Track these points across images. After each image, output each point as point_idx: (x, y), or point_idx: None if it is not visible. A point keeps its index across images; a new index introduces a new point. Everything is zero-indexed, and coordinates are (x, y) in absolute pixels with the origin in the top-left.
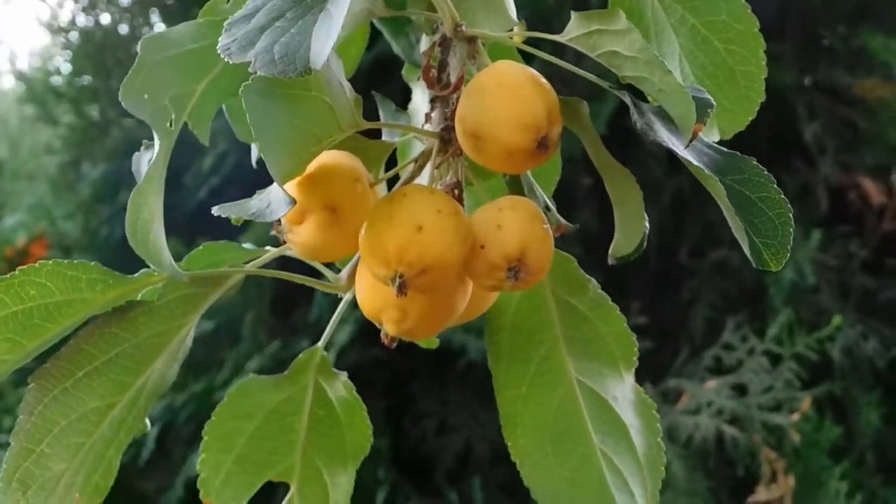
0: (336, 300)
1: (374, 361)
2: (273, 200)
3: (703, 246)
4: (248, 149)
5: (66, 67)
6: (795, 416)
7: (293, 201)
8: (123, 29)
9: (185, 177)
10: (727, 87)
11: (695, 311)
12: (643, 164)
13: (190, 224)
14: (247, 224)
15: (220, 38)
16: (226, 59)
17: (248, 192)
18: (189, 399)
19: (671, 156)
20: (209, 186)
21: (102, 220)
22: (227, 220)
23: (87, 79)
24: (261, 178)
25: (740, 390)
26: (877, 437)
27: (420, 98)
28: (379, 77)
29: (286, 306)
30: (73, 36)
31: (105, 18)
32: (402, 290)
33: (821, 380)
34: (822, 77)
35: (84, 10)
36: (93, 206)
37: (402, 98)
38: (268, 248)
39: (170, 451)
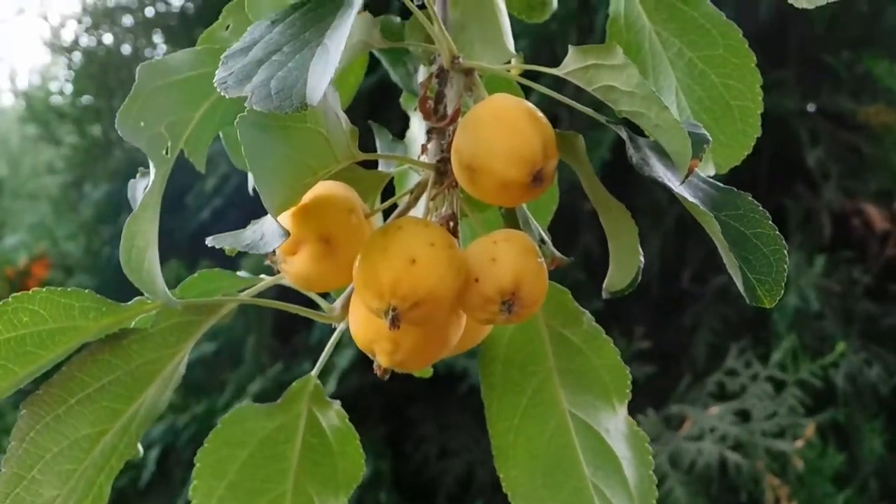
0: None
1: (374, 386)
2: (266, 232)
3: (706, 271)
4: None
5: (69, 87)
6: (799, 443)
7: (286, 234)
8: (126, 49)
9: (188, 198)
10: (724, 121)
11: (697, 336)
12: (647, 190)
13: (192, 246)
14: None
15: (216, 71)
16: (221, 92)
17: (251, 215)
18: (190, 421)
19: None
20: (212, 208)
21: (104, 240)
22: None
23: (89, 98)
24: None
25: (744, 416)
26: (880, 464)
27: (417, 127)
28: (380, 101)
29: (287, 329)
30: (76, 55)
31: (108, 38)
32: (394, 322)
33: (824, 406)
34: (826, 102)
35: (87, 30)
36: (95, 227)
37: (402, 123)
38: (263, 276)
39: (170, 474)
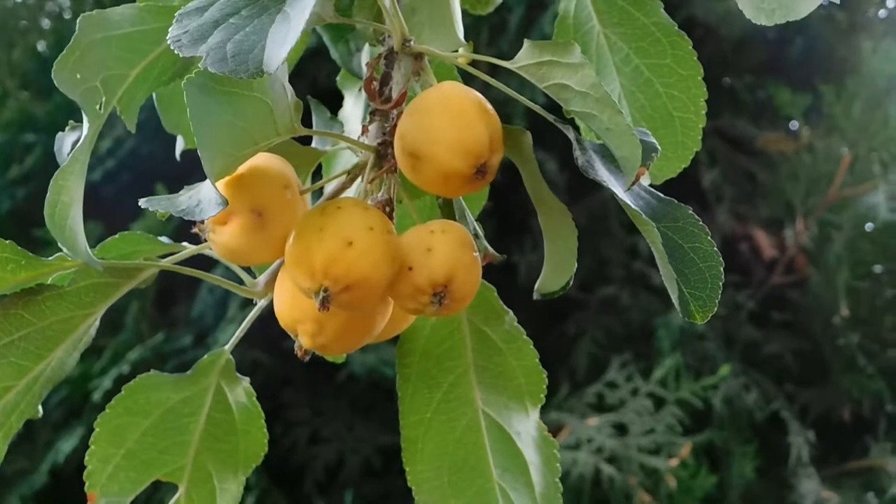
0: (219, 300)
1: (252, 363)
2: (203, 199)
3: (594, 281)
4: (146, 136)
5: None
6: (674, 461)
7: (224, 202)
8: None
9: None
10: (664, 131)
11: (579, 345)
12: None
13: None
14: (140, 212)
15: (170, 28)
16: (175, 51)
17: (142, 179)
18: (63, 383)
19: (571, 186)
20: (104, 169)
21: None
22: (119, 204)
23: None
24: (155, 168)
25: (621, 430)
26: (748, 488)
27: (351, 107)
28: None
29: (168, 300)
30: None
31: None
32: (324, 304)
33: (700, 427)
34: (725, 125)
35: None
36: None
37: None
38: (185, 243)
39: (35, 435)
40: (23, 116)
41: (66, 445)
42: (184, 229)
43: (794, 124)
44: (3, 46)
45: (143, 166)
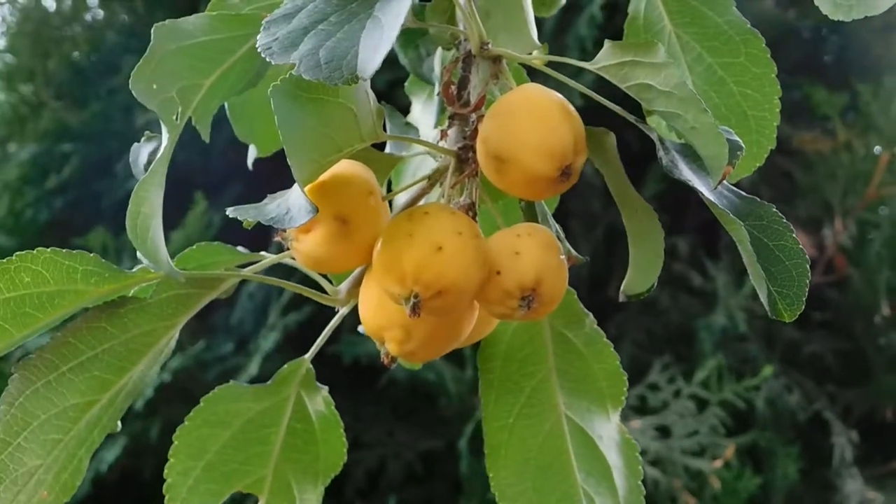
0: (258, 307)
1: None
2: (293, 207)
3: None
4: (182, 144)
5: (2, 43)
6: (718, 463)
7: (315, 210)
8: (64, 9)
9: (118, 166)
10: (738, 130)
11: (620, 347)
12: (580, 196)
13: (118, 214)
14: (180, 220)
15: (258, 36)
16: (267, 59)
17: (179, 186)
18: None
19: (607, 188)
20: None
21: (28, 202)
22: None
23: (22, 57)
24: (192, 176)
25: (664, 432)
26: (792, 490)
27: (420, 112)
28: None
29: (208, 307)
30: (12, 12)
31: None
32: (415, 310)
33: (743, 428)
34: None
35: None
36: (19, 188)
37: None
38: (264, 252)
39: None
40: (58, 126)
41: (109, 455)
42: (227, 237)
43: (831, 123)
44: (38, 56)
45: (179, 174)
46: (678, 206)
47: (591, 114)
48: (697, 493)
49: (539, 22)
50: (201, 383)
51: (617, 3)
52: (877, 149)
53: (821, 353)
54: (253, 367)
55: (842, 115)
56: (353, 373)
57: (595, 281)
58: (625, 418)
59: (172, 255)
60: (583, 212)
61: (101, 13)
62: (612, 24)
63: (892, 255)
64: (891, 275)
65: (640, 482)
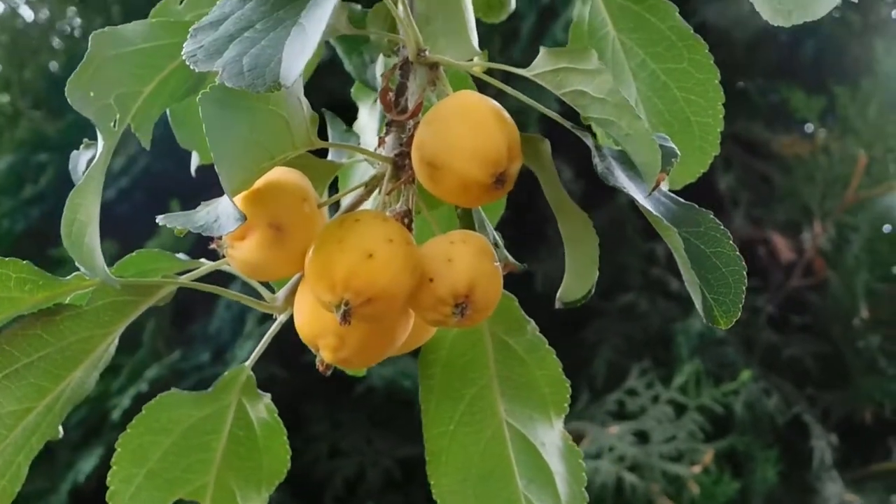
0: (236, 316)
1: (270, 377)
2: (222, 215)
3: (613, 288)
4: (159, 153)
5: None
6: (696, 468)
7: (243, 217)
8: (41, 19)
9: None
10: (682, 136)
11: (599, 352)
12: None
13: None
14: (155, 229)
15: (184, 43)
16: (191, 66)
17: (156, 196)
18: (81, 403)
19: (587, 193)
20: (118, 187)
21: (4, 212)
22: (134, 222)
23: None
24: (169, 185)
25: (642, 437)
26: (770, 494)
27: (366, 118)
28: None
29: (185, 316)
30: None
31: (24, 10)
32: (346, 318)
33: (722, 432)
34: (740, 129)
35: None
36: None
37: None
38: (203, 259)
39: (55, 454)
40: (35, 136)
41: (86, 465)
42: (201, 246)
43: (809, 127)
44: (15, 66)
45: (157, 183)
46: None
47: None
48: (676, 498)
49: (516, 27)
50: None
51: None
52: (859, 151)
53: (800, 357)
54: None
55: (820, 118)
56: (330, 381)
57: None
58: (603, 423)
59: None
60: None
61: (78, 22)
62: None
63: (870, 258)
64: (869, 278)
65: (583, 489)
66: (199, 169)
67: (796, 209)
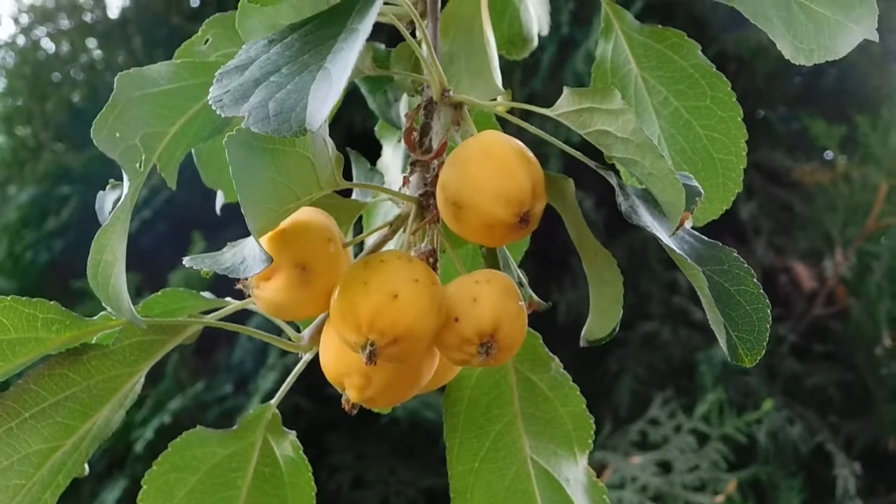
0: (258, 348)
1: (294, 409)
2: (248, 256)
3: (634, 317)
4: (181, 184)
5: (0, 85)
6: (719, 498)
7: (269, 259)
8: (63, 51)
9: None
10: (705, 173)
11: (621, 382)
12: None
13: None
14: (178, 261)
15: (211, 88)
16: (217, 111)
17: (179, 228)
18: None
19: (608, 224)
20: (140, 219)
21: (27, 244)
22: (156, 254)
23: (21, 99)
24: (191, 217)
25: (665, 467)
26: None
27: (390, 156)
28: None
29: (208, 348)
30: (10, 55)
31: (45, 42)
32: (371, 358)
33: (745, 462)
34: (761, 157)
35: (23, 30)
36: (18, 230)
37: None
38: (229, 299)
39: (80, 486)
40: (58, 168)
41: (110, 497)
42: (225, 279)
43: (830, 155)
44: (37, 99)
45: (179, 215)
46: None
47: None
48: None
49: (536, 58)
50: (201, 424)
51: None
52: (880, 179)
53: (822, 385)
54: (253, 408)
55: (841, 146)
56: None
57: None
58: (626, 454)
59: None
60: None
61: (99, 55)
62: None
63: (892, 285)
64: (892, 305)
65: None
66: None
67: (818, 237)
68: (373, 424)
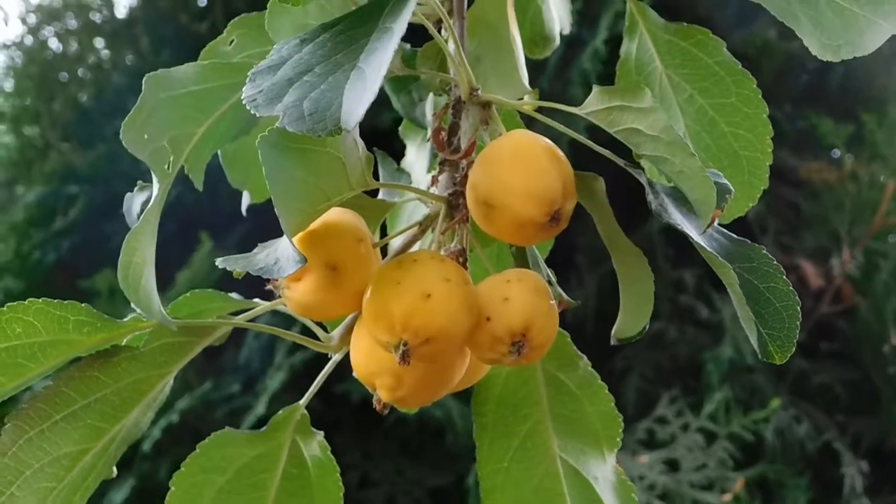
0: (265, 347)
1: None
2: (281, 257)
3: None
4: (189, 184)
5: (8, 85)
6: (727, 497)
7: (303, 259)
8: (70, 51)
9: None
10: (730, 171)
11: (628, 381)
12: (586, 232)
13: None
14: (185, 260)
15: (244, 87)
16: (251, 111)
17: (186, 227)
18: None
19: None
20: None
21: (35, 244)
22: (164, 253)
23: (28, 99)
24: (199, 217)
25: (672, 466)
26: None
27: (414, 156)
28: None
29: (215, 347)
30: (17, 54)
31: (53, 42)
32: (404, 357)
33: (752, 460)
34: None
35: (30, 30)
36: (26, 230)
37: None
38: (257, 300)
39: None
40: (65, 168)
41: (118, 496)
42: (231, 278)
43: (837, 153)
44: (44, 98)
45: (186, 216)
46: (684, 239)
47: (591, 154)
48: None
49: (543, 58)
50: (209, 424)
51: (620, 37)
52: (887, 177)
53: (829, 384)
54: (260, 407)
55: (847, 144)
56: (362, 411)
57: (602, 315)
58: (633, 453)
59: (176, 295)
60: (589, 247)
61: (106, 54)
62: (616, 58)
63: None
64: None
65: None
66: (229, 200)
67: (825, 235)
68: (380, 424)
